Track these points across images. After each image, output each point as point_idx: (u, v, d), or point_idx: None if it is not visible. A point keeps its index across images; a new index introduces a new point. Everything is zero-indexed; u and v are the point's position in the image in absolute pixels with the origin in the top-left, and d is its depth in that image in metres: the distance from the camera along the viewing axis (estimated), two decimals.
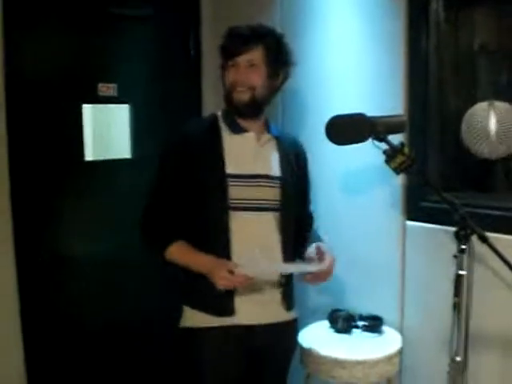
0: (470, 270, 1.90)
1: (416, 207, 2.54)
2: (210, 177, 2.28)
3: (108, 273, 3.19)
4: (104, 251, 3.21)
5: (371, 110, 2.07)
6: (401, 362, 2.59)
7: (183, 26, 3.52)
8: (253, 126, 2.38)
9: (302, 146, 2.56)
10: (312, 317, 2.85)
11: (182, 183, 2.30)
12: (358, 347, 2.55)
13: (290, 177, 2.40)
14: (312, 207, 2.62)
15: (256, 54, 2.30)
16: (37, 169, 3.01)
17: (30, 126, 2.98)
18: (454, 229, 1.93)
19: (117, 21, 3.23)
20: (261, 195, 2.31)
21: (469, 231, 1.89)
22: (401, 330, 2.67)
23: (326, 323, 2.76)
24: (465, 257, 1.89)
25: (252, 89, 2.31)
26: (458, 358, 1.91)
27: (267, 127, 2.44)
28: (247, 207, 2.29)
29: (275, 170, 2.37)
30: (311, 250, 2.37)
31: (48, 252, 3.06)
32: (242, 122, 2.37)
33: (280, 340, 2.39)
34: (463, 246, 1.89)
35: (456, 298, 1.91)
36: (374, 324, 2.65)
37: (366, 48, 2.71)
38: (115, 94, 3.24)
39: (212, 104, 3.58)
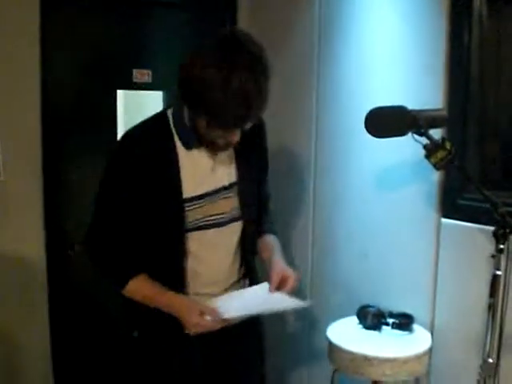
0: (507, 271, 1.87)
1: (452, 205, 2.50)
2: (166, 204, 2.01)
3: None
4: None
5: (411, 104, 2.03)
6: (430, 361, 2.56)
7: (219, 11, 3.49)
8: None
9: (258, 124, 2.10)
10: (340, 312, 2.83)
11: (130, 209, 2.01)
12: (387, 345, 2.52)
13: (248, 175, 2.14)
14: (267, 188, 2.35)
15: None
16: (71, 155, 3.03)
17: (65, 111, 3.01)
18: (491, 228, 1.89)
19: (151, 6, 3.23)
20: (219, 209, 2.08)
21: (508, 230, 1.84)
22: (431, 329, 2.63)
23: (354, 319, 2.73)
24: (502, 257, 1.85)
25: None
26: (491, 360, 1.88)
27: None
28: (205, 225, 2.05)
29: (232, 175, 2.11)
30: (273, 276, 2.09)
31: (77, 233, 3.05)
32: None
33: (233, 341, 2.18)
34: (501, 246, 1.84)
35: (491, 299, 1.87)
36: (404, 322, 2.61)
37: (406, 42, 2.67)
38: (150, 81, 3.25)
39: None
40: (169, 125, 2.03)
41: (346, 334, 2.63)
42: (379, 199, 2.81)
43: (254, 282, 2.23)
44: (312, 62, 3.08)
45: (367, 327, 2.66)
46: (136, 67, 3.20)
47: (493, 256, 1.87)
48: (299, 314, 3.30)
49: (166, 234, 2.05)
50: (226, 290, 2.15)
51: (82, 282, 3.12)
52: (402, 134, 1.98)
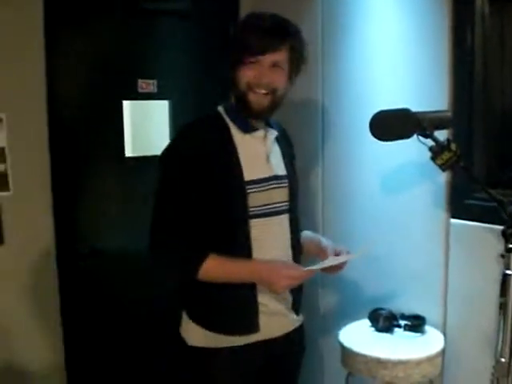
0: None
1: (461, 205, 2.49)
2: (229, 187, 2.09)
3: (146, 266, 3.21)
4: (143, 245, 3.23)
5: (415, 106, 2.03)
6: (443, 362, 2.55)
7: (222, 21, 3.50)
8: (260, 123, 2.21)
9: (287, 133, 2.42)
10: (352, 316, 2.82)
11: (198, 198, 2.08)
12: (399, 347, 2.51)
13: (292, 172, 2.29)
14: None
15: (282, 55, 2.09)
16: (79, 166, 3.05)
17: (72, 123, 3.03)
18: (500, 227, 1.89)
19: (155, 16, 3.24)
20: (274, 198, 2.17)
21: None
22: (443, 330, 2.62)
23: (366, 322, 2.72)
24: None
25: (273, 92, 2.11)
26: (503, 360, 1.87)
27: (268, 122, 2.25)
28: (265, 213, 2.14)
29: (281, 168, 2.24)
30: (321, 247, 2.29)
31: (87, 245, 3.10)
32: (251, 120, 2.17)
33: (293, 347, 2.33)
34: (511, 245, 1.84)
35: (502, 298, 1.87)
36: (416, 323, 2.60)
37: (409, 42, 2.67)
38: (155, 91, 3.26)
39: None
40: (222, 116, 2.19)
41: (358, 337, 2.63)
42: (387, 201, 2.81)
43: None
44: (316, 64, 3.08)
45: (379, 330, 2.65)
46: (141, 77, 3.21)
47: (502, 255, 1.87)
48: (310, 318, 3.30)
49: (231, 219, 2.12)
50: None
51: (94, 293, 3.14)
52: (408, 136, 1.98)
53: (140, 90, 3.21)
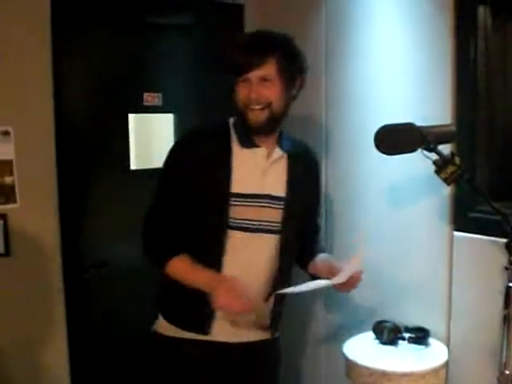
0: None
1: (464, 218, 2.50)
2: (213, 193, 2.14)
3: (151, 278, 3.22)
4: None
5: (418, 120, 2.05)
6: (447, 374, 2.55)
7: (226, 34, 3.53)
8: (265, 141, 2.21)
9: (314, 157, 2.44)
10: (356, 328, 2.83)
11: (184, 195, 2.17)
12: (404, 359, 2.52)
13: (296, 196, 2.25)
14: (319, 219, 2.59)
15: (269, 68, 2.09)
16: (85, 179, 3.07)
17: (78, 136, 3.05)
18: (503, 240, 1.90)
19: (160, 30, 3.27)
20: (262, 216, 2.18)
21: None
22: (447, 343, 2.62)
23: (370, 335, 2.73)
24: None
25: (268, 106, 2.11)
26: (507, 372, 1.88)
27: (280, 142, 2.25)
28: (247, 228, 2.16)
29: (281, 189, 2.22)
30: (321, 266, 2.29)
31: (93, 257, 3.11)
32: (254, 136, 2.20)
33: (258, 358, 2.33)
34: None
35: (506, 311, 1.88)
36: (420, 336, 2.60)
37: (412, 56, 2.69)
38: (160, 104, 3.28)
39: None
40: (229, 127, 2.24)
41: (362, 349, 2.64)
42: (391, 214, 2.82)
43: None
44: (320, 76, 3.11)
45: (383, 342, 2.66)
46: (146, 90, 3.23)
47: (506, 268, 1.88)
48: (315, 330, 3.31)
49: (210, 226, 2.17)
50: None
51: (100, 304, 3.15)
52: (412, 150, 2.00)
53: (145, 103, 3.23)
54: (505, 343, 1.88)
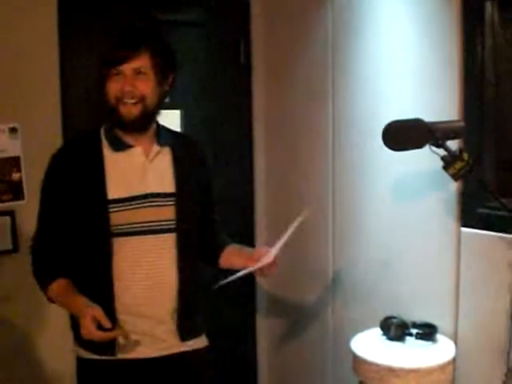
0: None
1: (472, 214, 2.50)
2: (90, 204, 2.08)
3: None
4: None
5: (426, 116, 2.05)
6: (455, 370, 2.55)
7: (234, 32, 3.54)
8: (140, 140, 2.16)
9: (200, 146, 2.39)
10: (363, 324, 2.83)
11: (62, 213, 2.10)
12: (411, 355, 2.52)
13: (187, 189, 2.21)
14: (216, 210, 2.47)
15: (143, 60, 2.07)
16: None
17: (84, 132, 3.04)
18: (511, 236, 1.90)
19: (168, 27, 3.27)
20: (150, 216, 2.11)
21: None
22: (455, 339, 2.62)
23: (377, 331, 2.73)
24: None
25: (142, 99, 2.08)
26: None
27: (158, 137, 2.20)
28: (135, 232, 2.09)
29: (168, 185, 2.17)
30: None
31: None
32: (127, 138, 2.14)
33: (177, 371, 2.21)
34: None
35: None
36: (427, 332, 2.60)
37: (419, 52, 2.68)
38: (167, 100, 3.27)
39: (263, 111, 3.61)
40: (98, 134, 2.18)
41: (370, 345, 2.64)
42: (399, 210, 2.82)
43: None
44: (327, 73, 3.11)
45: (391, 338, 2.66)
46: None
47: None
48: (322, 327, 3.31)
49: (92, 237, 2.10)
50: (165, 315, 2.16)
51: None
52: (420, 146, 2.00)
53: None
54: None
